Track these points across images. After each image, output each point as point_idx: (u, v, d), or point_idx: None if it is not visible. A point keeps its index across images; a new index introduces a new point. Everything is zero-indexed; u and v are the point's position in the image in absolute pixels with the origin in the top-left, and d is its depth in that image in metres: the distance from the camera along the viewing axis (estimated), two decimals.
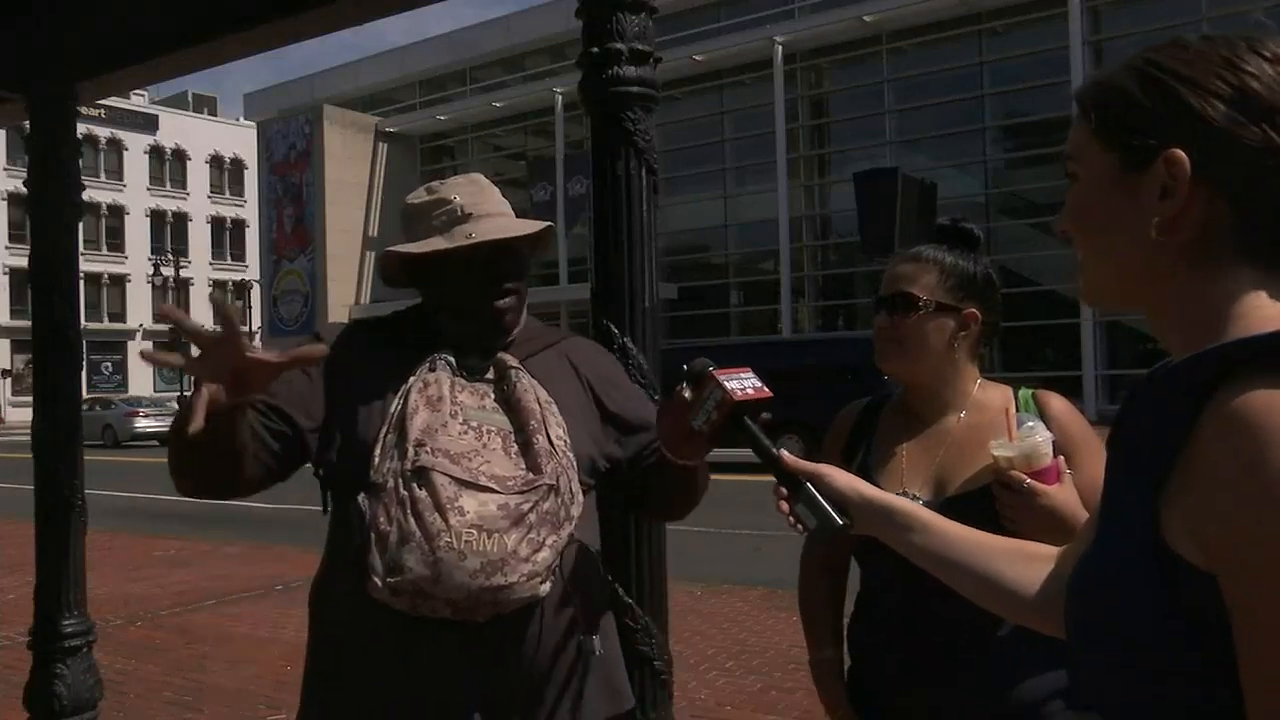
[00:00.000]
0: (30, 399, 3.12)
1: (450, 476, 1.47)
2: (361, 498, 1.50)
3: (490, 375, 1.63)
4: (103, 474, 13.83)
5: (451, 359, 1.62)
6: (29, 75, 3.00)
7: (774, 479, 1.27)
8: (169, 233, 52.29)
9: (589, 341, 1.85)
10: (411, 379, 1.58)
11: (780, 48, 30.06)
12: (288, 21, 2.49)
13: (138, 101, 51.42)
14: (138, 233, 51.43)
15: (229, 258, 54.95)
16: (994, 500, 1.61)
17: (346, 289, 37.67)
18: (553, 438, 1.56)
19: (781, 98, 30.06)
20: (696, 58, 30.69)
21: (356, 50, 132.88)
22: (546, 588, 1.49)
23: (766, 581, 6.79)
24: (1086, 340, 25.40)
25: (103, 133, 49.14)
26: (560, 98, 32.87)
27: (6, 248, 46.59)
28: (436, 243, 1.62)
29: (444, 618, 1.47)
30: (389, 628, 1.51)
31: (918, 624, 1.69)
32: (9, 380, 44.07)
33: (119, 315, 50.66)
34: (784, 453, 1.26)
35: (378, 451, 1.52)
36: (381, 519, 1.47)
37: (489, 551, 1.44)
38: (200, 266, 53.14)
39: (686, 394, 1.38)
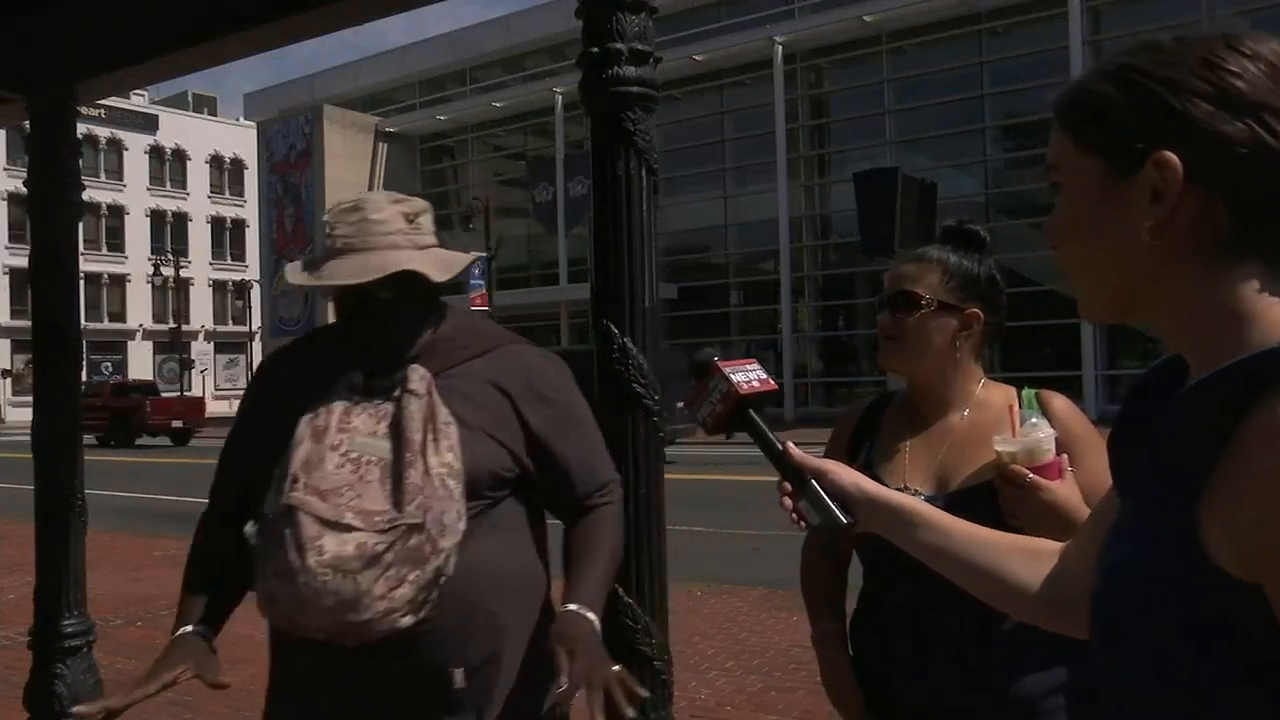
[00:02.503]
0: (30, 399, 3.11)
1: (314, 516, 1.53)
2: (249, 526, 1.60)
3: (397, 394, 1.63)
4: (103, 474, 13.82)
5: (360, 379, 1.64)
6: (29, 75, 2.99)
7: (778, 474, 1.25)
8: (169, 232, 52.30)
9: (533, 351, 1.80)
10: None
11: (780, 48, 30.02)
12: (288, 21, 2.49)
13: (138, 101, 51.40)
14: (138, 232, 51.44)
15: (229, 258, 54.93)
16: (996, 495, 1.61)
17: None
18: (431, 467, 1.56)
19: (781, 98, 30.04)
20: (696, 58, 30.66)
21: (356, 50, 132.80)
22: (408, 620, 1.53)
23: (766, 581, 6.78)
24: (1086, 340, 25.36)
25: (103, 133, 49.12)
26: (560, 98, 32.84)
27: (6, 248, 46.58)
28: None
29: (319, 640, 1.56)
30: (285, 645, 1.65)
31: (919, 622, 1.70)
32: (9, 380, 44.04)
33: (119, 315, 50.68)
34: (790, 447, 1.24)
35: (274, 483, 1.60)
36: (260, 549, 1.57)
37: (342, 591, 1.50)
38: (200, 266, 53.13)
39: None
